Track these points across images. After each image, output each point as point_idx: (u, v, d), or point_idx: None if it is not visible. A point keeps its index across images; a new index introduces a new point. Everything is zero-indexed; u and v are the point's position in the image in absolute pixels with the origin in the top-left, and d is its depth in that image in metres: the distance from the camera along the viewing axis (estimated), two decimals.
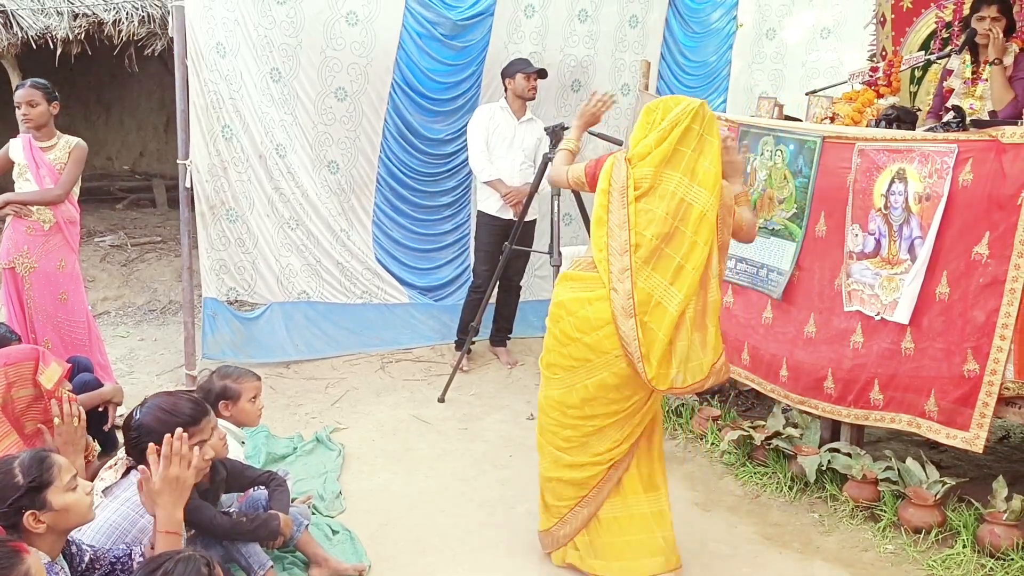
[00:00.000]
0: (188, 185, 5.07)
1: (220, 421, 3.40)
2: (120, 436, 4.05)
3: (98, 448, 3.78)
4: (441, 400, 5.13)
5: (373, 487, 4.02)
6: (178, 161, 5.07)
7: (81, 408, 2.96)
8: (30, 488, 2.15)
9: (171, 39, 5.15)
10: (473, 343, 5.52)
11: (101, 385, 3.88)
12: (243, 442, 3.58)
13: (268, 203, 5.49)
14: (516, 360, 5.89)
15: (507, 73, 5.58)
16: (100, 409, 3.73)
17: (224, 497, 3.19)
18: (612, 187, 3.09)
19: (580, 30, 6.32)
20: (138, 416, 2.74)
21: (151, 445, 2.47)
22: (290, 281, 5.66)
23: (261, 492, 3.20)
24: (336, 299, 5.86)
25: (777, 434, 4.20)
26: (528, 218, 5.38)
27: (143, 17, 6.81)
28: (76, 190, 4.59)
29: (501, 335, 5.97)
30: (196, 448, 2.55)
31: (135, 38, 6.84)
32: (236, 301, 5.61)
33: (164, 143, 10.65)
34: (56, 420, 2.70)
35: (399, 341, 6.01)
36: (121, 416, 4.12)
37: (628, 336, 2.98)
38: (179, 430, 2.51)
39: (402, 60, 5.77)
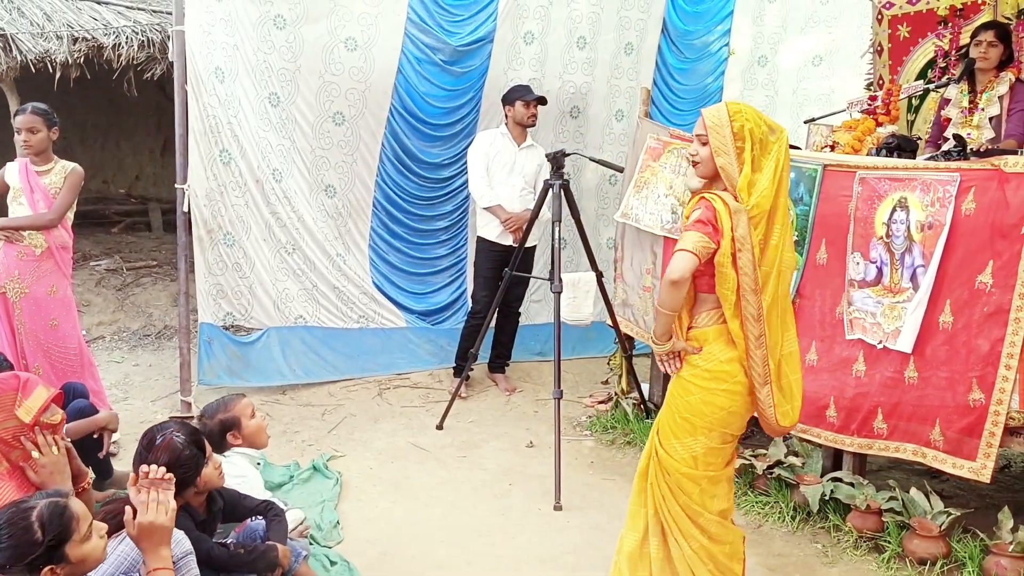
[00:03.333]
0: (186, 209, 5.04)
1: (236, 449, 3.39)
2: (115, 464, 4.03)
3: (92, 476, 3.71)
4: (439, 427, 5.09)
5: (371, 516, 3.96)
6: (176, 185, 5.04)
7: (65, 437, 2.90)
8: (49, 546, 2.09)
9: (170, 64, 5.14)
10: (472, 369, 5.49)
11: (96, 412, 3.83)
12: (259, 464, 3.55)
13: (265, 228, 5.47)
14: (515, 386, 5.86)
15: (507, 100, 5.59)
16: (95, 436, 3.68)
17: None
18: (742, 247, 2.75)
19: (579, 57, 6.35)
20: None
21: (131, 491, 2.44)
22: (287, 306, 5.63)
23: (259, 522, 3.16)
24: (333, 324, 5.82)
25: (779, 463, 4.17)
26: (528, 244, 5.37)
27: (143, 42, 6.81)
28: (70, 215, 4.55)
29: (500, 361, 5.93)
30: (170, 492, 2.47)
31: (134, 62, 6.84)
32: (232, 326, 5.56)
33: (160, 167, 10.64)
34: (35, 454, 2.64)
35: (396, 365, 5.98)
36: (115, 443, 4.08)
37: (765, 402, 2.86)
38: (155, 471, 2.46)
39: (400, 85, 5.78)
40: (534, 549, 3.72)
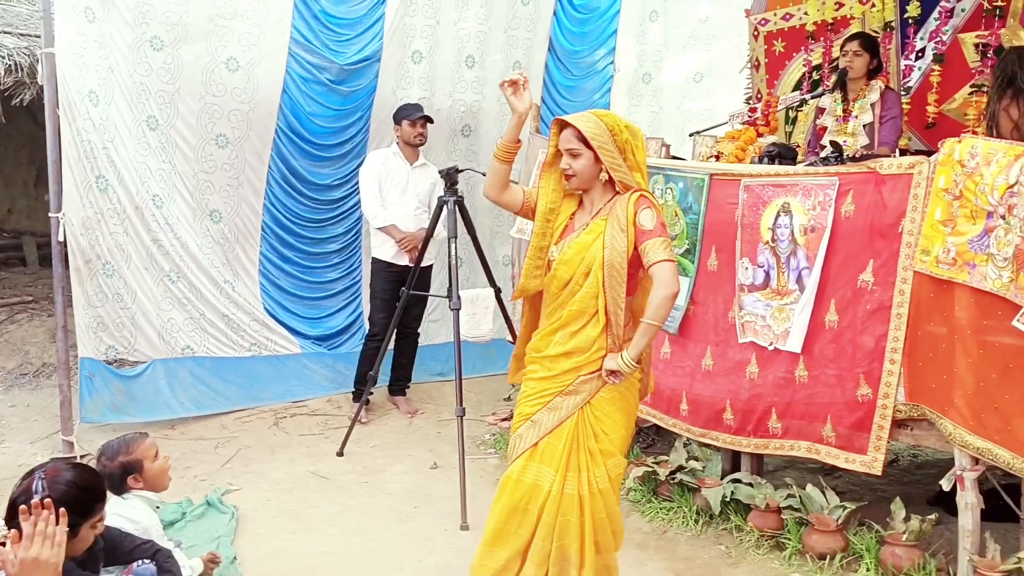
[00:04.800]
0: (61, 239, 4.77)
1: (136, 493, 3.21)
2: None
3: None
4: (340, 454, 4.95)
5: (271, 549, 3.81)
6: (50, 214, 4.77)
7: None
8: None
9: (41, 88, 4.88)
10: (371, 393, 5.37)
11: None
12: (158, 507, 3.36)
13: (147, 255, 5.24)
14: (416, 408, 5.76)
15: (396, 119, 5.53)
16: None
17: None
18: None
19: (468, 76, 6.36)
20: (43, 489, 2.46)
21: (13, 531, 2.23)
22: (172, 336, 5.39)
23: (147, 567, 2.97)
24: (223, 352, 5.61)
25: (680, 468, 4.22)
26: (424, 263, 5.31)
27: (9, 66, 6.43)
28: None
29: (400, 383, 5.83)
30: (62, 527, 2.26)
31: (1, 88, 6.47)
32: (115, 360, 5.29)
33: (34, 199, 10.08)
34: None
35: (292, 393, 5.79)
36: None
37: None
38: (38, 503, 2.26)
39: (286, 105, 5.66)
40: (442, 571, 3.64)
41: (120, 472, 3.19)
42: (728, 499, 3.96)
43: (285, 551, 3.80)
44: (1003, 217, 3.07)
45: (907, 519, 3.48)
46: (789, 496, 3.84)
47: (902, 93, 5.15)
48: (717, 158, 4.86)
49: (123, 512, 3.15)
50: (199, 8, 5.23)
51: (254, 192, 5.70)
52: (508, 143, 2.99)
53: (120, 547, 2.95)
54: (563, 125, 2.87)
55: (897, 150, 4.69)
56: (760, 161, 4.43)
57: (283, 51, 5.54)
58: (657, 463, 4.32)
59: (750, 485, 3.97)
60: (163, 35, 5.14)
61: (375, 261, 5.61)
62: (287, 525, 4.06)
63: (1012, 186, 3.05)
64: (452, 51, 6.26)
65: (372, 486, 4.56)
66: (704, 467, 4.21)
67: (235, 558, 3.64)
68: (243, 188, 5.65)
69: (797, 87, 5.85)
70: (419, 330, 5.83)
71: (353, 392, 5.65)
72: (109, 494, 3.12)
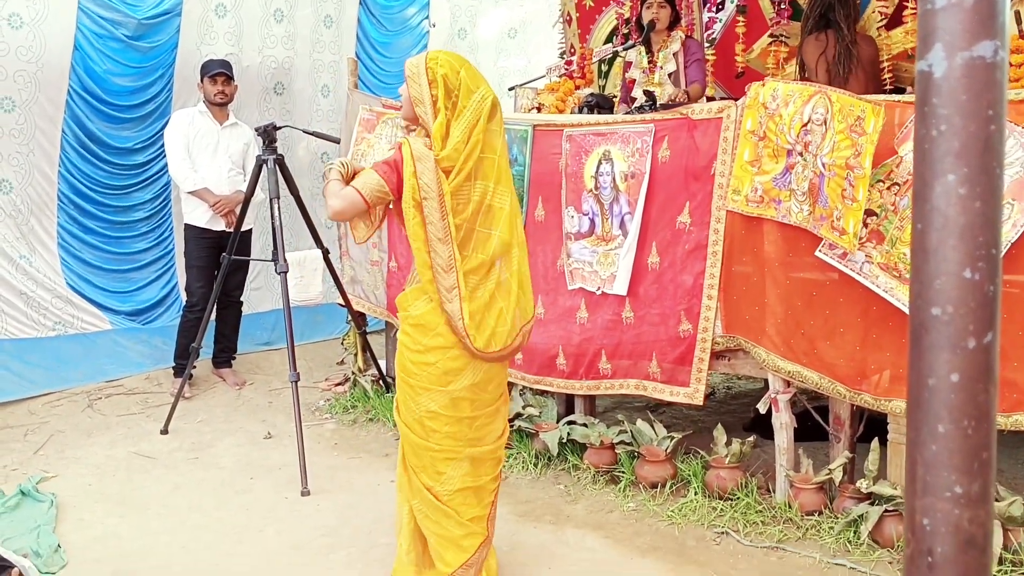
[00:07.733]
0: None
1: None
2: None
3: None
4: (164, 432, 4.70)
5: (98, 535, 3.58)
6: None
7: None
8: None
9: None
10: (195, 367, 5.12)
11: None
12: None
13: None
14: (244, 380, 5.56)
15: (200, 77, 5.23)
16: None
17: None
18: (428, 195, 2.60)
19: (277, 31, 6.11)
20: None
21: None
22: None
23: None
24: (24, 333, 5.18)
25: (518, 415, 4.31)
26: (244, 228, 5.07)
27: None
28: None
29: (225, 355, 5.59)
30: None
31: None
32: None
33: None
34: None
35: (105, 372, 5.44)
36: None
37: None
38: None
39: (79, 64, 5.24)
40: (285, 538, 3.56)
41: None
42: (565, 440, 4.09)
43: (114, 535, 3.58)
44: (800, 154, 3.31)
45: (728, 443, 3.73)
46: (621, 432, 4.02)
47: (706, 45, 5.40)
48: (539, 110, 4.93)
49: None
50: None
51: (47, 159, 5.25)
52: None
53: None
54: None
55: (705, 94, 4.92)
56: (580, 111, 4.53)
57: (72, 5, 5.12)
58: None
59: (584, 426, 4.13)
60: None
61: (188, 228, 5.32)
62: (113, 509, 3.83)
63: (806, 124, 3.29)
64: (258, 4, 5.99)
65: (203, 462, 4.38)
66: (540, 412, 4.32)
67: (59, 546, 3.40)
68: (35, 155, 5.19)
69: (609, 40, 6.00)
70: (242, 298, 5.60)
71: (174, 367, 5.37)
72: None
